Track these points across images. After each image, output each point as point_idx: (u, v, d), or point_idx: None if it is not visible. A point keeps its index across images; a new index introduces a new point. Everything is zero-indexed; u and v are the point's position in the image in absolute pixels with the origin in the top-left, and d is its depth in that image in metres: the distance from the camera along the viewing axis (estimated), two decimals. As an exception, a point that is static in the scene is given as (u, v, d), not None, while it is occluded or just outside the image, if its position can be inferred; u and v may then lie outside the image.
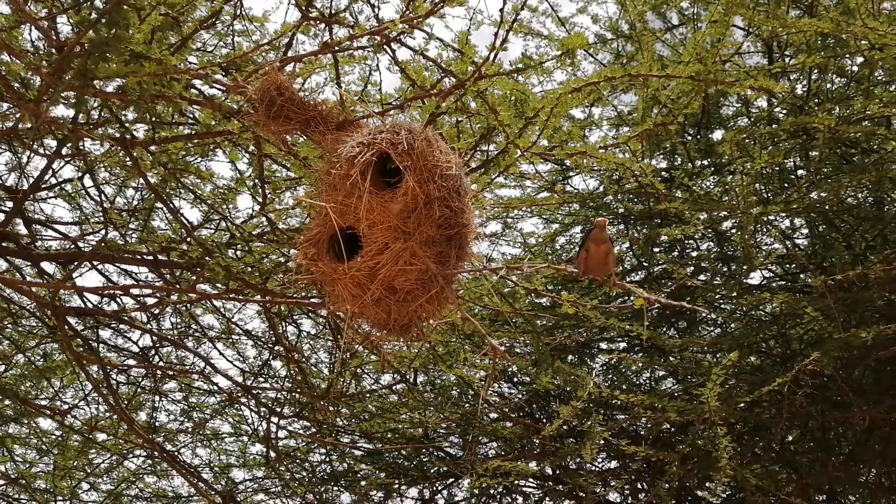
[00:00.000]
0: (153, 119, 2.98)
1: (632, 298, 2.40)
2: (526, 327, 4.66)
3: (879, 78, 5.30)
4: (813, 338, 5.16)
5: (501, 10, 2.48)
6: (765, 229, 5.71)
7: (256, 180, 3.42)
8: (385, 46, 2.71)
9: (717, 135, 6.02)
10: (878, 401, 4.99)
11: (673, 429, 5.34)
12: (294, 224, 3.86)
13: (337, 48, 2.65)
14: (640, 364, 4.93)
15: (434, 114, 2.76)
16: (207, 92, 3.00)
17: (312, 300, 3.64)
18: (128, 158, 3.25)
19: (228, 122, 2.99)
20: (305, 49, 2.84)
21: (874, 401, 5.00)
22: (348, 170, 2.25)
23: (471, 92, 2.80)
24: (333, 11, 2.76)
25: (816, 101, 5.39)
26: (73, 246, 5.10)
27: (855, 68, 5.48)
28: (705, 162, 5.85)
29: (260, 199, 3.44)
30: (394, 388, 5.12)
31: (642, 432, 5.29)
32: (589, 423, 4.14)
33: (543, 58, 2.66)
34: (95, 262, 4.99)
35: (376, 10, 2.79)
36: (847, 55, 5.14)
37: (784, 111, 5.52)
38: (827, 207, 5.33)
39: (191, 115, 3.27)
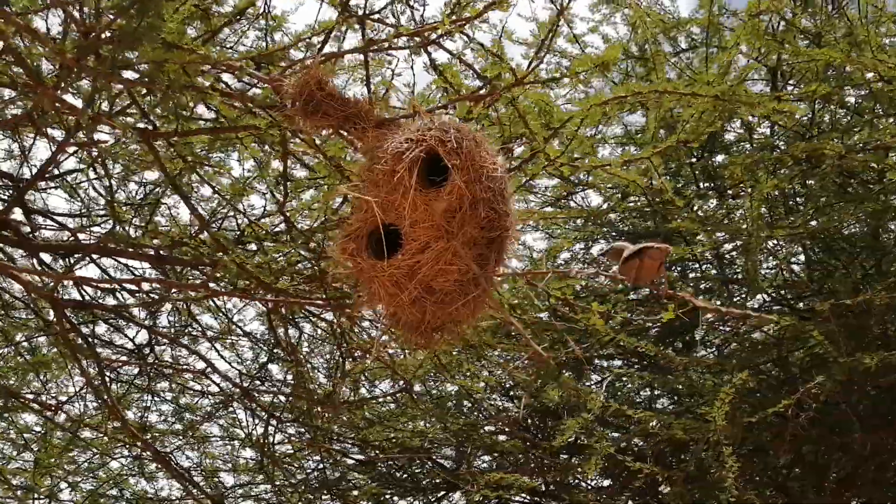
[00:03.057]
0: (178, 110, 2.94)
1: (663, 310, 2.39)
2: (534, 339, 4.63)
3: (886, 110, 5.35)
4: (814, 363, 5.18)
5: (554, 24, 2.47)
6: (765, 254, 5.74)
7: (279, 177, 3.39)
8: (424, 48, 2.70)
9: (719, 159, 6.07)
10: (877, 427, 5.01)
11: (672, 450, 5.33)
12: (308, 225, 3.82)
13: (376, 48, 2.63)
14: (645, 380, 4.91)
15: (465, 119, 2.74)
16: (234, 87, 2.97)
17: (322, 300, 3.59)
18: (146, 149, 3.20)
19: (254, 118, 2.96)
20: (340, 47, 2.82)
21: (872, 426, 5.02)
22: (394, 165, 2.23)
23: (504, 99, 2.79)
24: (371, 10, 2.74)
25: (818, 131, 5.44)
26: (73, 238, 5.03)
27: (854, 100, 5.55)
28: (709, 185, 5.89)
29: (280, 197, 3.40)
30: (395, 395, 5.08)
31: (644, 448, 5.27)
32: (595, 438, 4.12)
33: (580, 66, 2.65)
34: (96, 256, 4.91)
35: (417, 10, 2.78)
36: (853, 86, 5.19)
37: (786, 140, 5.57)
38: (829, 233, 5.37)
39: (214, 110, 3.23)
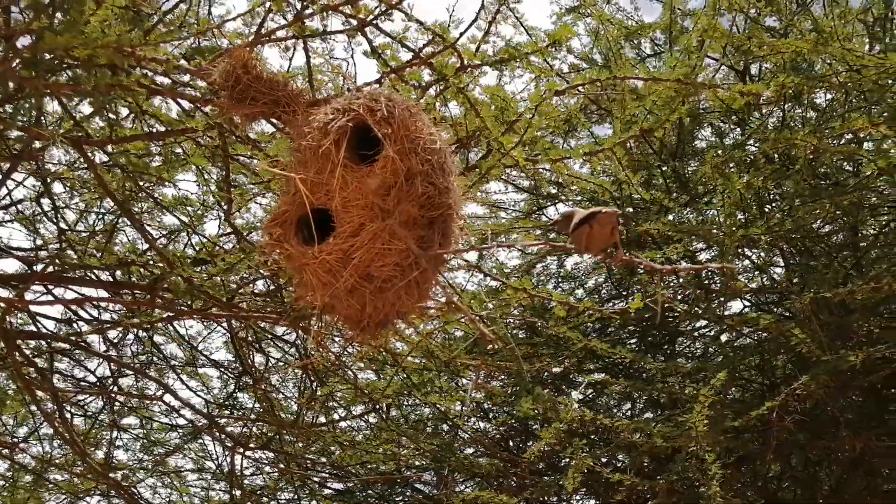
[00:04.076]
0: (109, 115, 2.78)
1: (632, 298, 2.23)
2: (505, 354, 4.47)
3: (856, 102, 5.28)
4: (797, 368, 5.04)
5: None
6: (741, 258, 5.63)
7: (222, 183, 3.22)
8: (360, 31, 2.56)
9: (691, 168, 5.98)
10: (862, 429, 4.86)
11: (655, 463, 5.15)
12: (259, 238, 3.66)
13: (310, 34, 2.50)
14: (623, 388, 4.74)
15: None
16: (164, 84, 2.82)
17: (278, 315, 3.42)
18: (83, 162, 3.04)
19: (191, 120, 2.81)
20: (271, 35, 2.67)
21: (859, 429, 4.87)
22: (320, 140, 2.06)
23: (453, 88, 2.66)
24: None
25: (790, 132, 5.36)
26: (26, 269, 4.84)
27: (822, 101, 5.49)
28: (681, 193, 5.78)
29: (225, 206, 3.23)
30: (365, 417, 4.87)
31: (625, 462, 5.08)
32: (571, 450, 3.93)
33: (530, 46, 2.53)
34: (49, 286, 4.72)
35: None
36: (823, 77, 5.11)
37: (756, 143, 5.49)
38: (806, 233, 5.27)
39: (151, 118, 3.08)
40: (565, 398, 4.57)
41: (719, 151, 5.64)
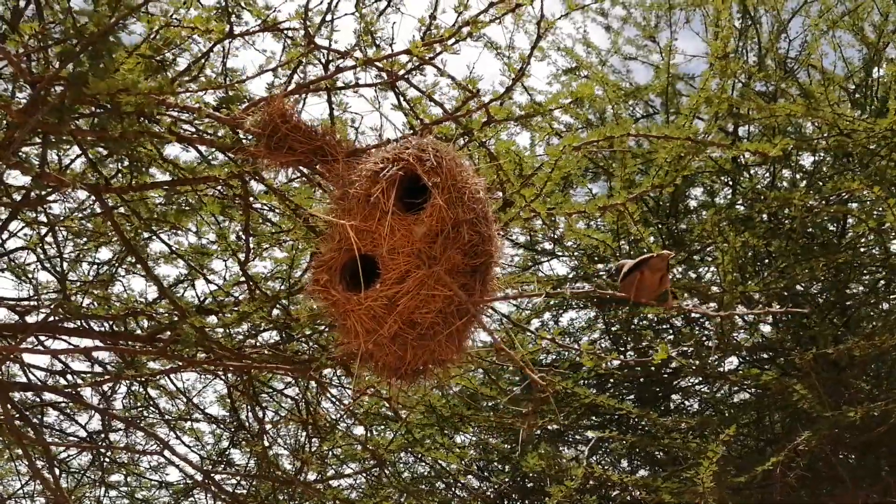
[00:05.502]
0: (133, 162, 2.78)
1: (654, 351, 2.24)
2: (508, 409, 4.44)
3: (845, 164, 5.42)
4: (795, 422, 5.06)
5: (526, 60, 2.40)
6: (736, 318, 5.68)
7: (241, 233, 3.22)
8: (392, 86, 2.61)
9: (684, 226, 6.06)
10: (860, 483, 4.87)
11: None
12: (274, 287, 3.65)
13: (343, 86, 2.54)
14: (627, 443, 4.72)
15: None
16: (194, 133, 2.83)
17: (287, 366, 3.38)
18: (87, 209, 3.03)
19: (214, 168, 2.82)
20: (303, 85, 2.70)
21: (859, 486, 4.88)
22: (369, 188, 2.08)
23: (476, 141, 2.70)
24: (341, 50, 2.65)
25: (787, 193, 5.48)
26: (20, 320, 4.76)
27: (810, 164, 5.64)
28: (676, 250, 5.85)
29: (242, 255, 3.22)
30: (367, 472, 4.79)
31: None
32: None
33: (552, 102, 2.59)
34: (43, 337, 4.65)
35: (383, 49, 2.70)
36: (813, 140, 5.25)
37: (746, 203, 5.60)
38: (797, 291, 5.34)
39: (170, 164, 3.08)
40: (569, 454, 4.53)
41: (714, 210, 5.74)
